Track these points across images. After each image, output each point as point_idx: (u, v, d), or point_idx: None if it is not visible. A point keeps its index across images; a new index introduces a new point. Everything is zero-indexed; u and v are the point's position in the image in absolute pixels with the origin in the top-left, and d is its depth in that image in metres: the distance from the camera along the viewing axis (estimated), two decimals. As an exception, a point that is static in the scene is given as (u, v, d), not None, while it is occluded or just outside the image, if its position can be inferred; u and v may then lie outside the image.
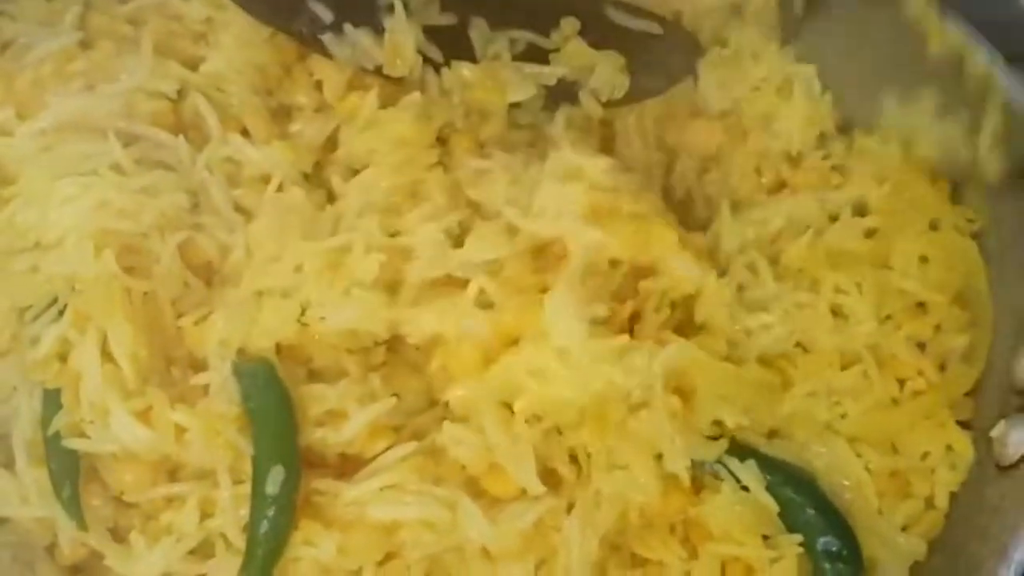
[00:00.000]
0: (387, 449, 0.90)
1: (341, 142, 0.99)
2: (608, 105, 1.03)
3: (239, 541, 0.89)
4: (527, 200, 0.92)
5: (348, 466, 0.91)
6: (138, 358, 0.91)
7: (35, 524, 0.95)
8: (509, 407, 0.88)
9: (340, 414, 0.91)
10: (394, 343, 0.94)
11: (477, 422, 0.87)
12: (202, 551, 0.91)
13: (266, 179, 0.97)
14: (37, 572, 0.96)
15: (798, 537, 0.88)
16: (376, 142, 0.97)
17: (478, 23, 1.00)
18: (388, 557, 0.89)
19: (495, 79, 0.99)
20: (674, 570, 0.89)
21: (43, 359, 0.92)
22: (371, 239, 0.92)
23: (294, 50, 1.02)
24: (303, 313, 0.90)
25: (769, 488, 0.88)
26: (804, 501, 0.89)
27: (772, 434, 0.91)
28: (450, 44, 1.00)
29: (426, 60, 1.00)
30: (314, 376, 0.94)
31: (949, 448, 0.91)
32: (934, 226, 0.95)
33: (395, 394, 0.92)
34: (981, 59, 0.88)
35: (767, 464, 0.89)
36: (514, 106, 1.02)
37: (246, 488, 0.88)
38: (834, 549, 0.87)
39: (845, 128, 1.04)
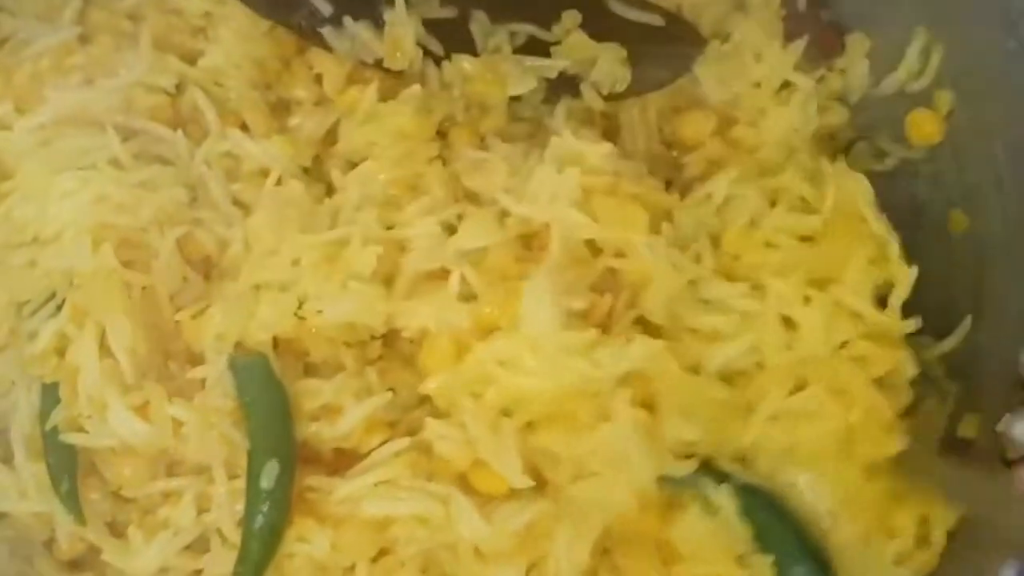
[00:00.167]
0: (382, 444, 0.90)
1: (340, 135, 0.99)
2: (610, 98, 1.02)
3: (234, 536, 0.88)
4: (524, 188, 0.91)
5: (343, 461, 0.91)
6: (136, 352, 0.91)
7: (33, 519, 0.95)
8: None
9: (336, 409, 0.90)
10: (390, 337, 0.93)
11: (459, 416, 0.86)
12: (198, 546, 0.91)
13: (265, 173, 0.97)
14: (36, 566, 0.96)
15: (771, 556, 0.85)
16: (376, 135, 0.96)
17: (478, 16, 0.99)
18: (382, 553, 0.89)
19: (496, 72, 0.98)
20: None
21: (41, 354, 0.92)
22: (369, 232, 0.91)
23: (293, 44, 1.02)
24: (300, 306, 0.89)
25: (744, 512, 0.86)
26: (779, 527, 0.86)
27: (739, 459, 0.88)
28: (450, 37, 0.99)
29: (426, 53, 0.99)
30: (311, 370, 0.93)
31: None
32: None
33: (391, 388, 0.91)
34: None
35: (743, 488, 0.86)
36: (515, 99, 1.00)
37: (242, 483, 0.88)
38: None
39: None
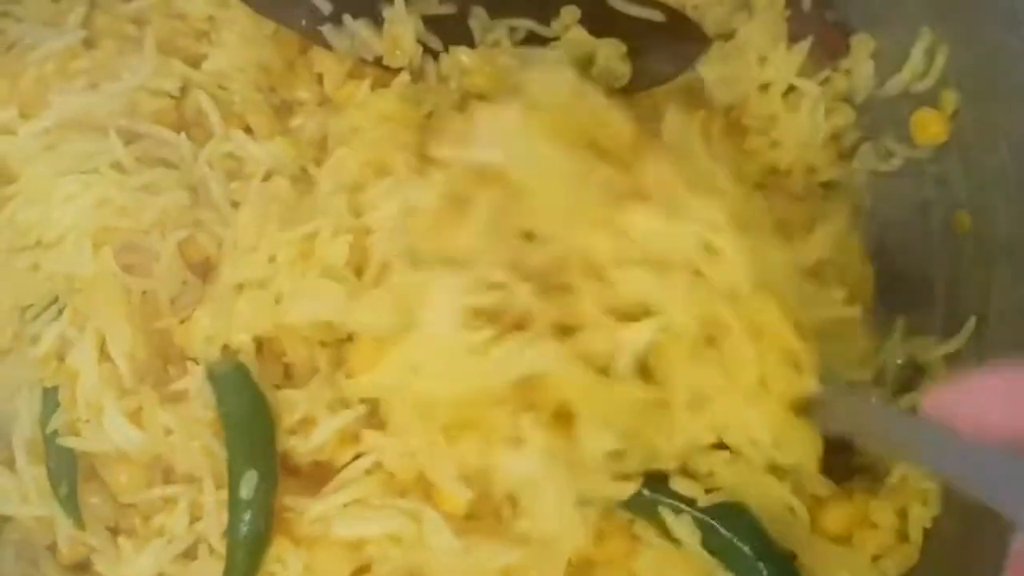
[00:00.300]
0: (356, 458, 0.88)
1: (330, 129, 0.98)
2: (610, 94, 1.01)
3: (220, 546, 0.88)
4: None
5: (321, 474, 0.90)
6: (135, 357, 0.91)
7: (36, 522, 0.95)
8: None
9: (311, 421, 0.89)
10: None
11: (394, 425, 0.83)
12: (191, 553, 0.90)
13: (267, 175, 0.96)
14: (41, 570, 0.95)
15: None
16: (359, 120, 0.95)
17: (477, 12, 0.99)
18: (359, 571, 0.87)
19: (493, 64, 0.97)
20: None
21: (42, 357, 0.92)
22: (340, 221, 0.88)
23: (296, 46, 1.02)
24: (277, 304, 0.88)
25: (705, 543, 0.83)
26: (745, 547, 0.83)
27: (682, 467, 0.83)
28: (450, 33, 0.99)
29: (426, 50, 0.99)
30: (289, 371, 0.92)
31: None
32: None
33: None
34: None
35: (705, 512, 0.83)
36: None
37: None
38: None
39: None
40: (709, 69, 1.02)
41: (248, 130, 0.99)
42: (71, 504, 0.91)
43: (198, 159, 0.97)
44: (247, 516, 0.85)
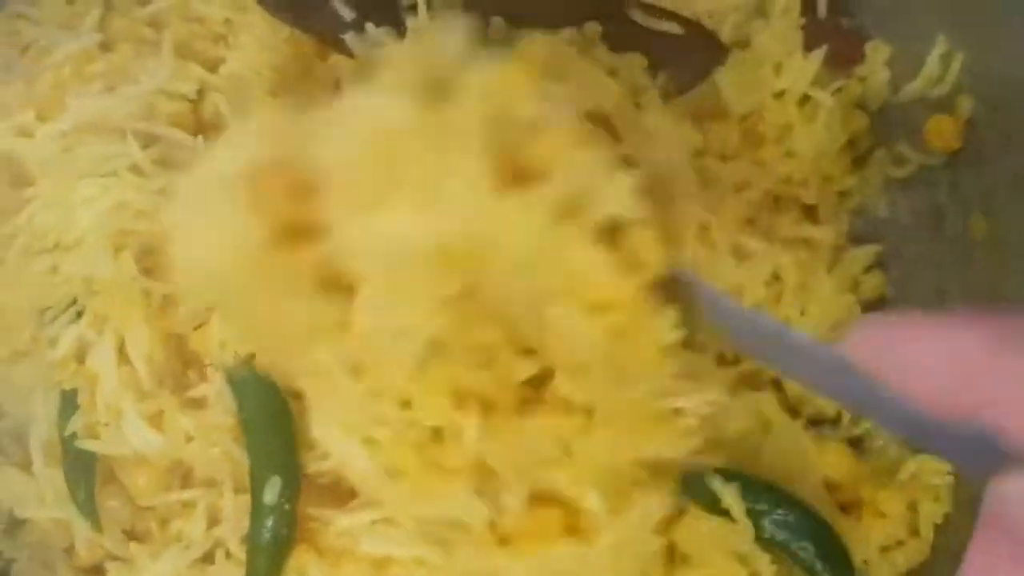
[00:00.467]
0: None
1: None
2: (630, 107, 1.02)
3: (239, 551, 0.88)
4: None
5: (343, 489, 0.89)
6: (153, 361, 0.91)
7: (53, 525, 0.95)
8: None
9: None
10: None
11: None
12: (207, 558, 0.90)
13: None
14: (56, 573, 0.96)
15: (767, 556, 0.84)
16: None
17: (496, 22, 0.99)
18: None
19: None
20: None
21: (61, 360, 0.92)
22: None
23: (314, 50, 1.02)
24: None
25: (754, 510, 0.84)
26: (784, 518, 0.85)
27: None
28: (472, 44, 0.99)
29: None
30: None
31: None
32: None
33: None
34: None
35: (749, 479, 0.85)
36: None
37: (248, 497, 0.87)
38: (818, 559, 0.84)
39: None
40: (725, 78, 1.02)
41: (265, 134, 0.99)
42: (89, 507, 0.91)
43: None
44: (270, 522, 0.85)
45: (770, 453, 0.88)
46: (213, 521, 0.90)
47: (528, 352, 0.67)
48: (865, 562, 0.90)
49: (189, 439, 0.89)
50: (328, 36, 0.97)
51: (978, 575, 0.51)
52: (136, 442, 0.89)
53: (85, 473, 0.91)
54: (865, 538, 0.90)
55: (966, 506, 0.91)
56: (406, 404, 0.67)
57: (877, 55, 1.03)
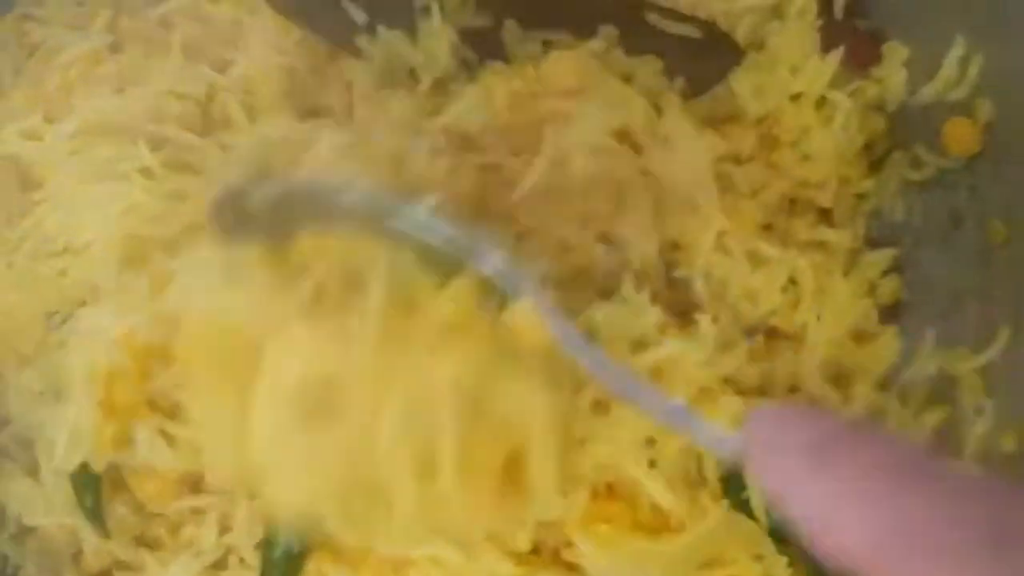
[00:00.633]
0: None
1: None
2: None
3: (251, 557, 0.87)
4: None
5: None
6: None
7: (60, 532, 0.94)
8: None
9: None
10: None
11: None
12: (219, 564, 0.90)
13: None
14: (64, 579, 0.95)
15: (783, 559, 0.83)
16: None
17: (510, 24, 0.98)
18: None
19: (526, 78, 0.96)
20: None
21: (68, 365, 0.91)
22: None
23: (324, 52, 1.01)
24: None
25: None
26: None
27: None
28: (484, 46, 0.98)
29: (460, 62, 0.98)
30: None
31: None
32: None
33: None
34: None
35: None
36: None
37: (261, 504, 0.86)
38: None
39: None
40: (740, 80, 1.00)
41: (275, 136, 0.98)
42: (96, 514, 0.90)
43: (224, 165, 0.96)
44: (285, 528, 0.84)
45: None
46: (225, 528, 0.89)
47: None
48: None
49: (198, 451, 0.87)
50: (339, 39, 0.97)
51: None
52: (144, 451, 0.88)
53: (93, 480, 0.90)
54: None
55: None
56: None
57: (894, 56, 1.02)
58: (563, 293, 0.84)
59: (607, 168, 0.92)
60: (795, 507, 0.52)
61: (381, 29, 0.96)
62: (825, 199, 1.00)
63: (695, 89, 0.98)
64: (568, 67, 0.90)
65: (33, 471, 0.93)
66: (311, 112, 1.01)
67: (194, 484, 0.91)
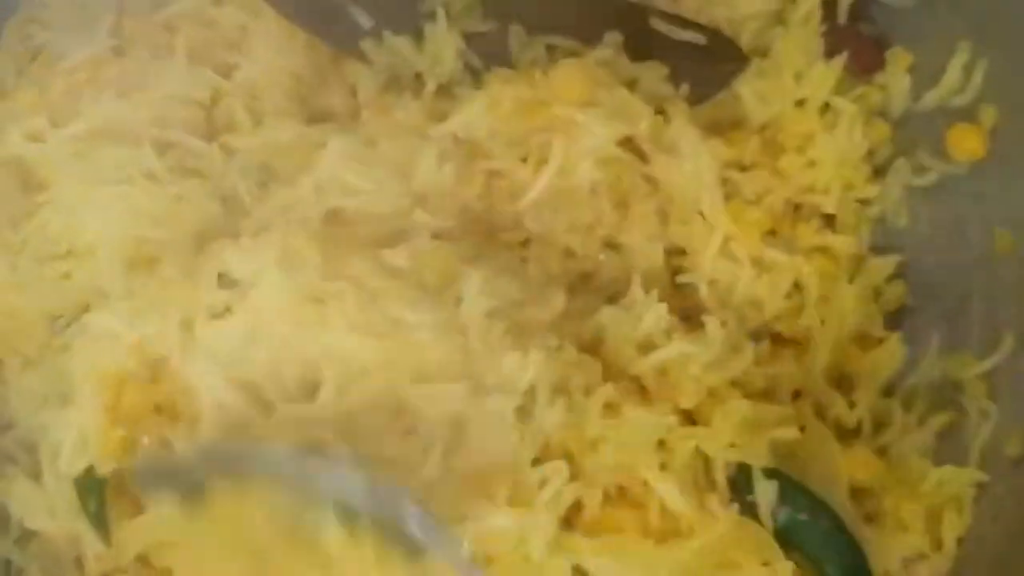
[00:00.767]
0: None
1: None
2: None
3: None
4: None
5: None
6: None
7: (63, 536, 0.93)
8: None
9: None
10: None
11: None
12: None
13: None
14: (66, 584, 0.95)
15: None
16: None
17: (515, 29, 0.98)
18: None
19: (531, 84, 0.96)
20: None
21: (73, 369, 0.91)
22: None
23: (329, 56, 1.01)
24: None
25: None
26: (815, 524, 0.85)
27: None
28: (489, 51, 0.98)
29: (465, 67, 0.98)
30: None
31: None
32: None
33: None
34: None
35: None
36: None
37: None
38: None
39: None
40: (744, 86, 1.00)
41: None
42: (99, 519, 0.89)
43: (230, 168, 0.96)
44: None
45: (802, 457, 0.87)
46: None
47: None
48: (887, 574, 0.89)
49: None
50: (345, 43, 0.97)
51: None
52: (144, 455, 0.88)
53: (96, 486, 0.90)
54: (887, 549, 0.89)
55: (989, 518, 0.90)
56: None
57: (898, 62, 1.02)
58: (570, 299, 0.87)
59: (613, 175, 0.93)
60: None
61: (386, 34, 0.96)
62: (829, 205, 1.00)
63: (699, 95, 0.98)
64: (575, 76, 0.91)
65: (36, 475, 0.93)
66: (316, 116, 1.02)
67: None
